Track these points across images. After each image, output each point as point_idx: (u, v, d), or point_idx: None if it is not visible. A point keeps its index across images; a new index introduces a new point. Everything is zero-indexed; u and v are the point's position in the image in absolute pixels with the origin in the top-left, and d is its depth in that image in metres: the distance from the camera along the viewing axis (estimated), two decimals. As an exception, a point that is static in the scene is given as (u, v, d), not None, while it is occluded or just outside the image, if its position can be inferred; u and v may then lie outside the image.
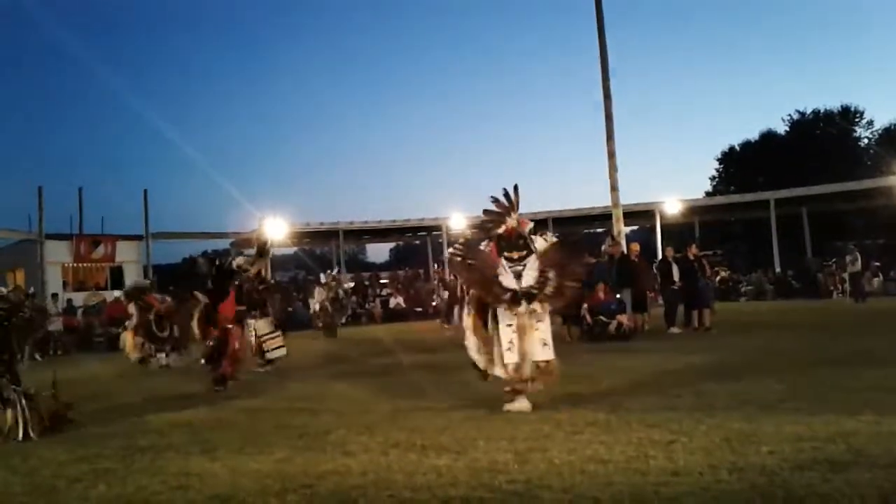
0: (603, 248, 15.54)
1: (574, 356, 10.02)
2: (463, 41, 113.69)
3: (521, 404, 6.11)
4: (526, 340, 6.16)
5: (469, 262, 6.63)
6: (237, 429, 6.09)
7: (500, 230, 6.55)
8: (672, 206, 30.90)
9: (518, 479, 3.91)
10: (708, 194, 42.72)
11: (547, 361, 6.23)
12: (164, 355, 12.46)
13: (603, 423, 5.25)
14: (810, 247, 31.51)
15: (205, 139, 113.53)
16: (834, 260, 25.82)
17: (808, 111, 44.10)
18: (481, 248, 6.69)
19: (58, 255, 26.10)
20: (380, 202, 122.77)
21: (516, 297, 6.17)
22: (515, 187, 6.61)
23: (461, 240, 8.28)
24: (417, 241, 44.04)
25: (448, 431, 5.31)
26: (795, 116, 44.31)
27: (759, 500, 3.40)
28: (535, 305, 6.19)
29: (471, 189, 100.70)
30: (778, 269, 28.97)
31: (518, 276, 6.31)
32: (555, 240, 6.74)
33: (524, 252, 6.45)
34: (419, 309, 27.87)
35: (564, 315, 12.97)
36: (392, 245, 60.39)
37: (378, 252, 66.13)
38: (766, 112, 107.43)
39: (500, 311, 6.27)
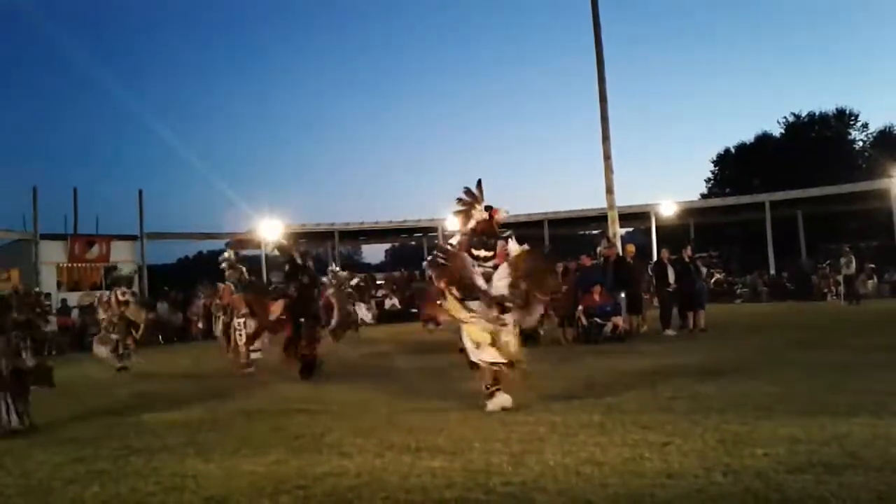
0: (598, 249, 15.55)
1: (569, 358, 10.05)
2: (460, 43, 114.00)
3: (502, 399, 6.21)
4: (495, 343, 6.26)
5: (444, 263, 6.66)
6: (233, 430, 6.08)
7: (472, 224, 6.62)
8: (667, 208, 30.95)
9: (513, 482, 3.91)
10: (703, 196, 42.79)
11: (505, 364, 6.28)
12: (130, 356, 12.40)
13: (598, 425, 5.26)
14: (805, 249, 31.59)
15: (200, 140, 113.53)
16: (828, 262, 25.87)
17: (804, 113, 44.25)
18: (451, 247, 6.77)
19: (52, 255, 26.02)
20: (376, 203, 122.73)
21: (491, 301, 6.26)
22: (478, 182, 6.72)
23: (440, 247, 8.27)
24: (413, 242, 43.97)
25: (443, 433, 5.31)
26: (791, 119, 44.46)
27: (753, 503, 3.41)
28: (507, 317, 6.28)
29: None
30: (773, 271, 29.04)
31: (488, 278, 6.38)
32: (525, 248, 6.70)
33: (492, 253, 6.51)
34: (415, 310, 27.84)
35: (561, 317, 13.01)
36: (388, 246, 60.35)
37: (374, 253, 66.11)
38: (762, 114, 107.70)
39: (476, 309, 6.31)
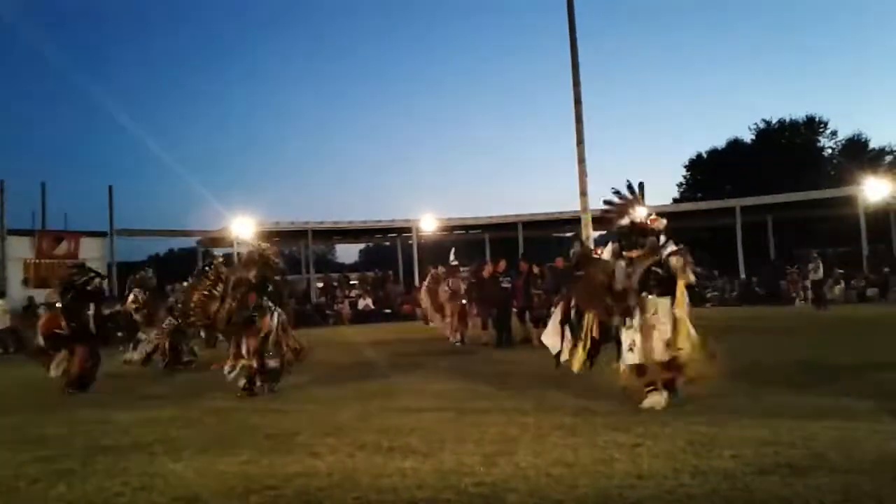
0: (571, 251, 15.63)
1: (540, 359, 10.08)
2: (438, 43, 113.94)
3: (654, 399, 6.09)
4: (649, 341, 6.16)
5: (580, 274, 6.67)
6: (203, 429, 6.02)
7: (624, 222, 6.63)
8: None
9: (484, 482, 3.92)
10: (675, 201, 43.23)
11: (673, 358, 6.13)
12: None
13: (569, 427, 5.29)
14: (774, 254, 32.04)
15: (172, 136, 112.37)
16: (796, 267, 26.28)
17: (774, 120, 44.90)
18: (599, 255, 6.78)
19: (19, 251, 25.61)
20: (350, 202, 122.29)
21: (628, 308, 6.18)
22: (641, 184, 6.69)
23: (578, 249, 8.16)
24: (388, 243, 43.89)
25: (416, 433, 5.31)
26: (762, 125, 45.08)
27: (721, 504, 3.45)
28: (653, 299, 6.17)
29: (442, 191, 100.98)
30: (743, 276, 29.40)
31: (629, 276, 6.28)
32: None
33: (644, 251, 6.44)
34: (388, 310, 27.84)
35: (535, 319, 13.08)
36: (362, 246, 60.18)
37: (348, 253, 65.83)
38: (734, 120, 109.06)
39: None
